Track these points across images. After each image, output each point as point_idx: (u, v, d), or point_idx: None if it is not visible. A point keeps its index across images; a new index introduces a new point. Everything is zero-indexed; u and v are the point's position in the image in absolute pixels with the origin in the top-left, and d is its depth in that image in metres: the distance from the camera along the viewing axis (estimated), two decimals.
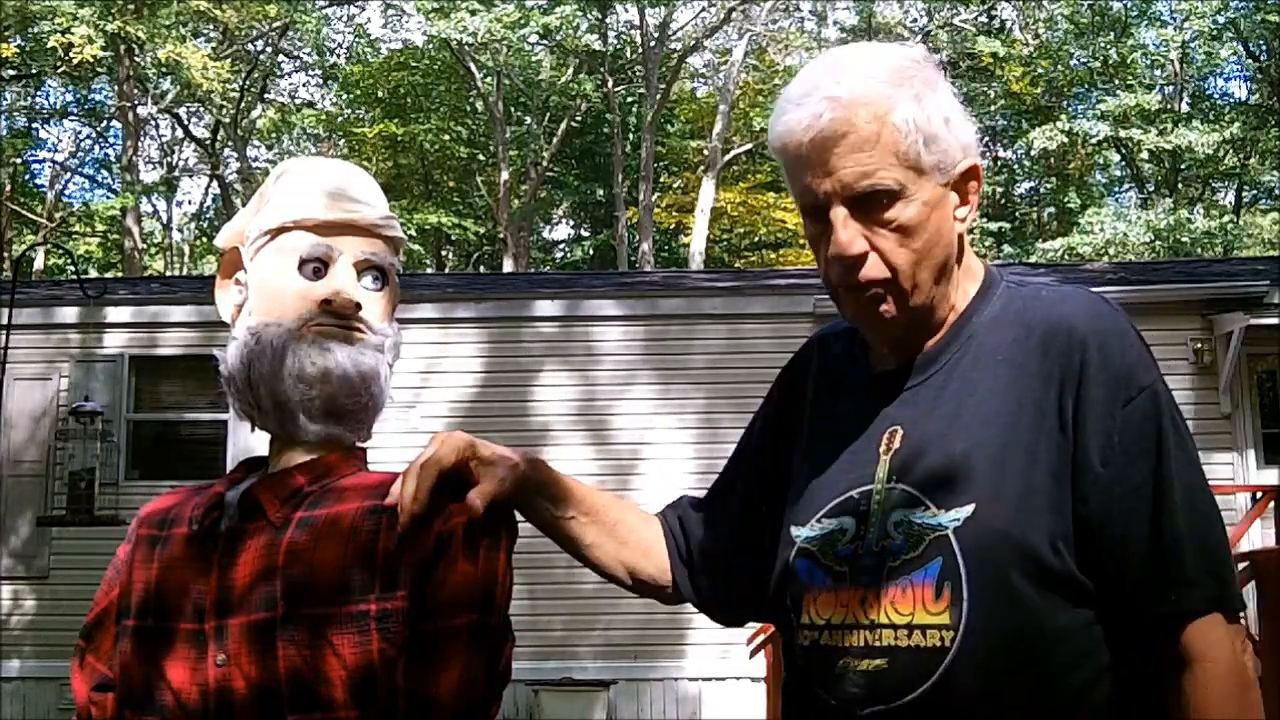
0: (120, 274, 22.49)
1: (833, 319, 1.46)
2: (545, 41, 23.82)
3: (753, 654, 7.76)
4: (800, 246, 24.71)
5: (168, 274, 26.73)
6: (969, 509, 1.24)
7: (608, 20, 24.57)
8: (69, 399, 9.58)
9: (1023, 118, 25.05)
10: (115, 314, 10.02)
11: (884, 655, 1.25)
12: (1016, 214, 26.93)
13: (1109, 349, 1.27)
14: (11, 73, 22.50)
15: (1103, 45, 23.30)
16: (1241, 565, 5.23)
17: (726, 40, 25.75)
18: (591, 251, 28.03)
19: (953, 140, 1.31)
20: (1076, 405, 1.26)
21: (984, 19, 24.28)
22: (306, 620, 1.24)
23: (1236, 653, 1.24)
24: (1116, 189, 27.97)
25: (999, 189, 26.09)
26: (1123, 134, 21.78)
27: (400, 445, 4.50)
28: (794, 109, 1.30)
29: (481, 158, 26.68)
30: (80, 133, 26.59)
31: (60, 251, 22.95)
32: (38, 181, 27.21)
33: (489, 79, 24.16)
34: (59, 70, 21.81)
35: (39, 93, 25.27)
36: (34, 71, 22.80)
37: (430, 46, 24.98)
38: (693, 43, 25.29)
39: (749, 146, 24.64)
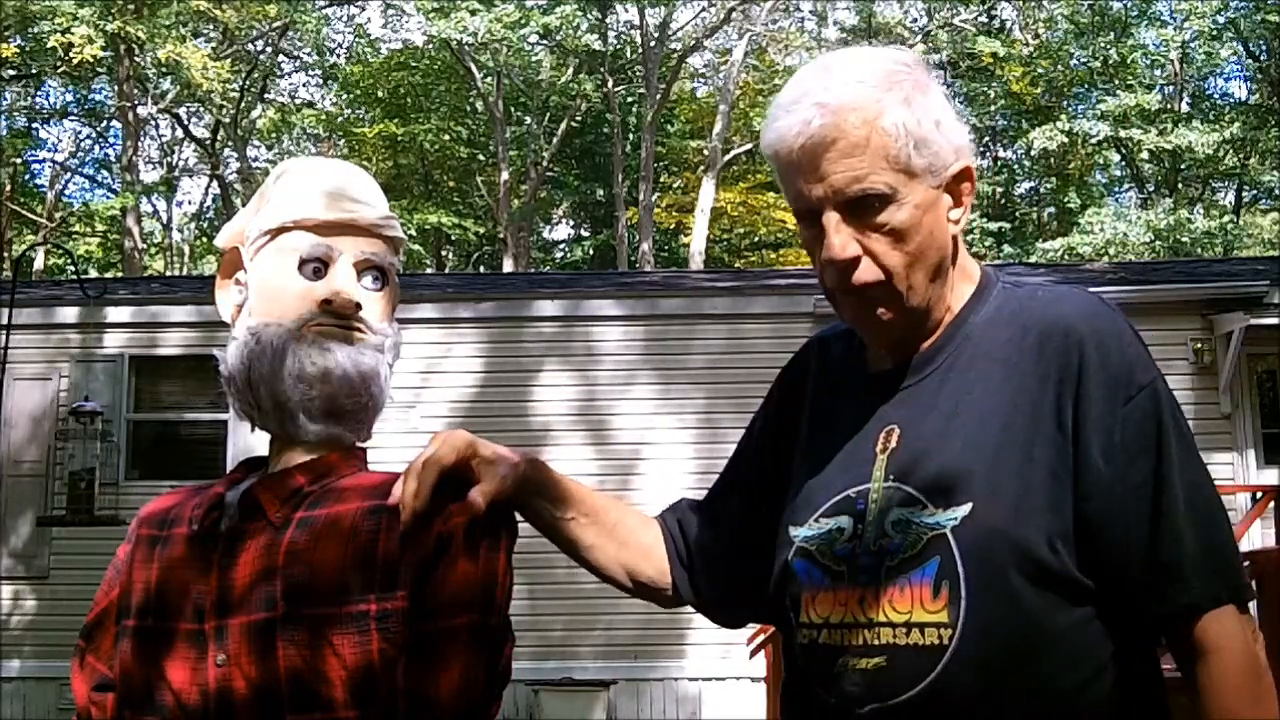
0: (120, 274, 22.49)
1: (832, 319, 1.47)
2: (545, 41, 23.82)
3: (753, 654, 7.76)
4: (800, 247, 24.64)
5: (168, 274, 26.73)
6: (966, 508, 1.25)
7: (608, 20, 24.58)
8: (69, 399, 9.58)
9: (1023, 118, 25.04)
10: (115, 314, 10.02)
11: (883, 654, 1.25)
12: (1016, 214, 26.92)
13: (1107, 348, 1.28)
14: (11, 73, 22.50)
15: (1103, 45, 23.30)
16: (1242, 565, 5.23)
17: (726, 40, 25.76)
18: (591, 251, 28.03)
19: (944, 142, 1.32)
20: (1076, 405, 1.26)
21: (984, 19, 24.28)
22: (307, 620, 1.24)
23: (1249, 643, 1.25)
24: (1116, 189, 27.98)
25: (999, 189, 26.09)
26: (1123, 134, 21.78)
27: (400, 445, 4.49)
28: (785, 115, 1.31)
29: (481, 158, 26.68)
30: (80, 133, 26.62)
31: (60, 251, 22.95)
32: (38, 181, 27.25)
33: (489, 79, 24.16)
34: (59, 70, 21.81)
35: (39, 93, 25.29)
36: (34, 71, 22.80)
37: (430, 46, 24.98)
38: (693, 43, 25.30)
39: (749, 146, 24.61)
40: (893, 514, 1.29)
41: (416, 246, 25.00)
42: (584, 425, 9.67)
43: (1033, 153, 24.52)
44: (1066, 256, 20.94)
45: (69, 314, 10.00)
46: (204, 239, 28.50)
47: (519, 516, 1.39)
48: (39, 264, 24.03)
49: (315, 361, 1.32)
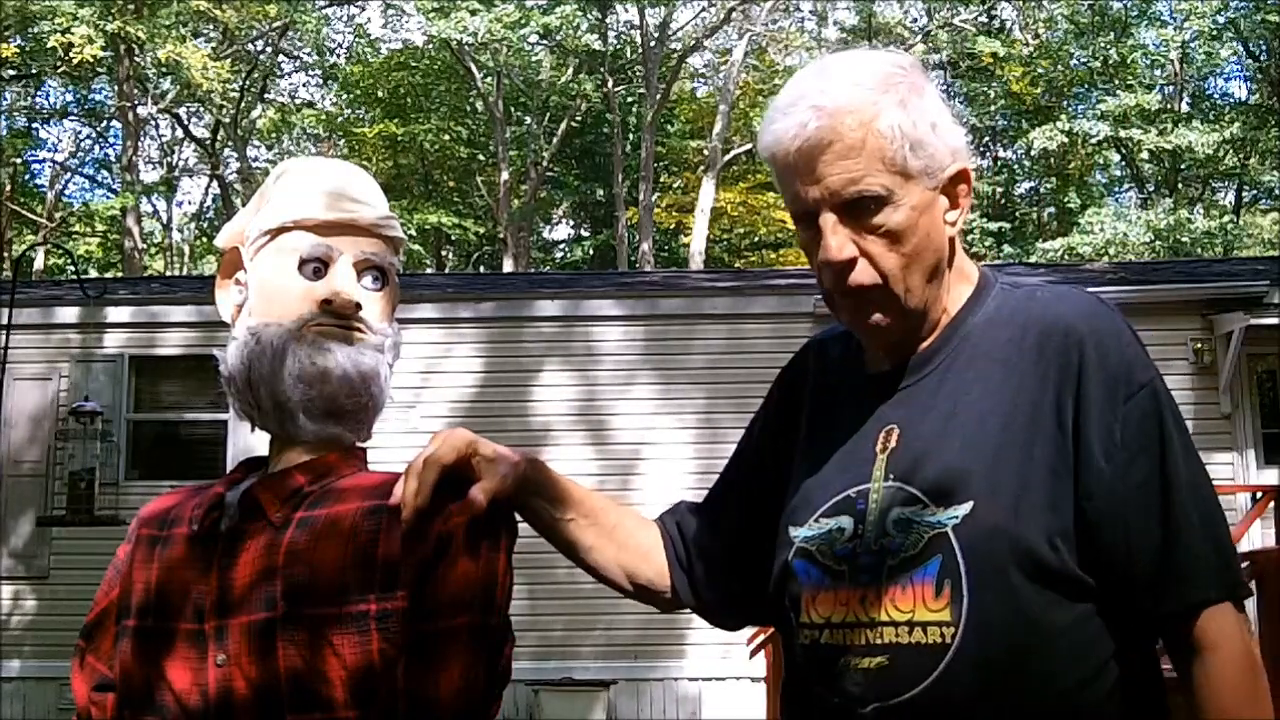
0: (120, 274, 22.49)
1: (832, 320, 1.47)
2: (545, 41, 23.82)
3: (753, 654, 7.76)
4: (800, 246, 24.66)
5: (168, 274, 26.73)
6: (967, 506, 1.25)
7: (608, 20, 24.58)
8: (69, 399, 9.58)
9: (1023, 118, 25.04)
10: (115, 314, 10.02)
11: (885, 653, 1.25)
12: (1016, 214, 26.92)
13: (1106, 347, 1.28)
14: (11, 73, 22.50)
15: (1103, 45, 23.30)
16: (1242, 565, 5.23)
17: (726, 40, 25.76)
18: (591, 251, 28.04)
19: (940, 145, 1.33)
20: (1076, 403, 1.27)
21: (984, 19, 24.27)
22: (307, 620, 1.24)
23: (1247, 641, 1.26)
24: (1116, 189, 27.98)
25: (999, 189, 26.08)
26: (1123, 134, 21.78)
27: (400, 445, 4.49)
28: (781, 118, 1.32)
29: (481, 158, 26.68)
30: (80, 133, 26.62)
31: (60, 251, 22.95)
32: (38, 181, 27.24)
33: (489, 79, 24.16)
34: (59, 70, 21.81)
35: (39, 93, 25.29)
36: (34, 71, 22.80)
37: (430, 46, 24.98)
38: (693, 43, 25.30)
39: (749, 146, 24.59)
40: (894, 513, 1.29)
41: (416, 246, 25.00)
42: (584, 425, 9.67)
43: (1033, 153, 24.51)
44: (1066, 256, 20.94)
45: (69, 314, 10.00)
46: (204, 239, 28.50)
47: (518, 517, 1.39)
48: (39, 264, 24.04)
49: (315, 361, 1.32)
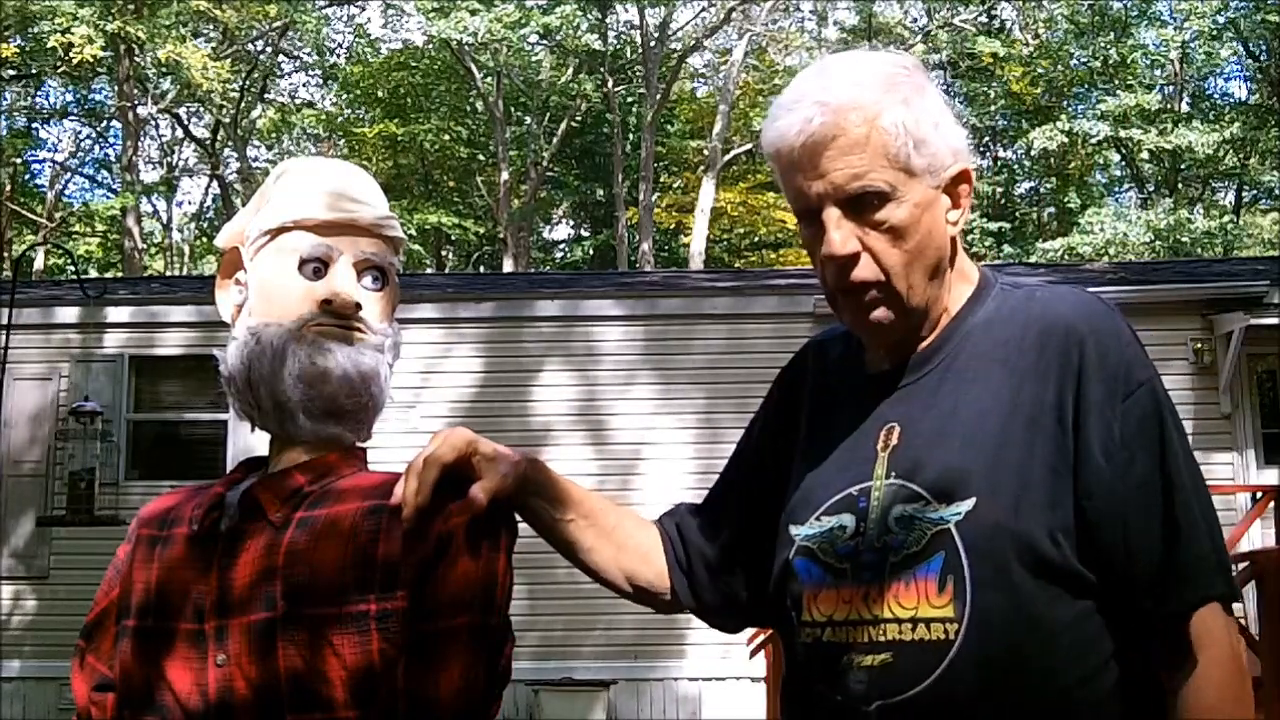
0: (120, 274, 22.49)
1: (832, 319, 1.47)
2: (545, 41, 23.83)
3: (753, 654, 7.77)
4: (800, 246, 24.62)
5: (168, 274, 26.73)
6: (970, 503, 1.25)
7: (608, 20, 24.57)
8: (69, 399, 9.58)
9: (1023, 118, 25.04)
10: (115, 314, 10.02)
11: (888, 650, 1.26)
12: (1016, 214, 26.92)
13: (1106, 346, 1.29)
14: (11, 73, 22.50)
15: (1103, 45, 23.30)
16: (1241, 565, 5.22)
17: (726, 40, 25.76)
18: (591, 251, 28.03)
19: (942, 144, 1.33)
20: (1076, 402, 1.28)
21: (984, 19, 24.27)
22: (307, 621, 1.24)
23: (1235, 643, 1.27)
24: (1116, 189, 27.98)
25: (999, 189, 26.08)
26: (1123, 134, 21.78)
27: (400, 445, 4.49)
28: (785, 114, 1.32)
29: (481, 158, 26.68)
30: (80, 133, 26.62)
31: (60, 251, 22.95)
32: (38, 181, 27.24)
33: (489, 79, 24.16)
34: (59, 70, 21.81)
35: (39, 93, 25.30)
36: (34, 71, 22.80)
37: (430, 46, 24.98)
38: (693, 43, 25.30)
39: (749, 146, 24.61)
40: (896, 510, 1.29)
41: (416, 246, 25.00)
42: (584, 425, 9.67)
43: (1033, 153, 24.51)
44: (1066, 256, 20.94)
45: (69, 314, 10.00)
46: (204, 239, 28.50)
47: (517, 517, 1.39)
48: (39, 264, 24.04)
49: (315, 361, 1.32)
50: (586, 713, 9.10)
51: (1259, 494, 8.32)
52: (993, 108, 24.77)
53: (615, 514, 1.53)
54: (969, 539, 1.24)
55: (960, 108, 23.61)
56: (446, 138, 25.64)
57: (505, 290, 11.28)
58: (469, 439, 1.33)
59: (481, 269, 27.88)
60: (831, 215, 1.31)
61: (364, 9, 26.51)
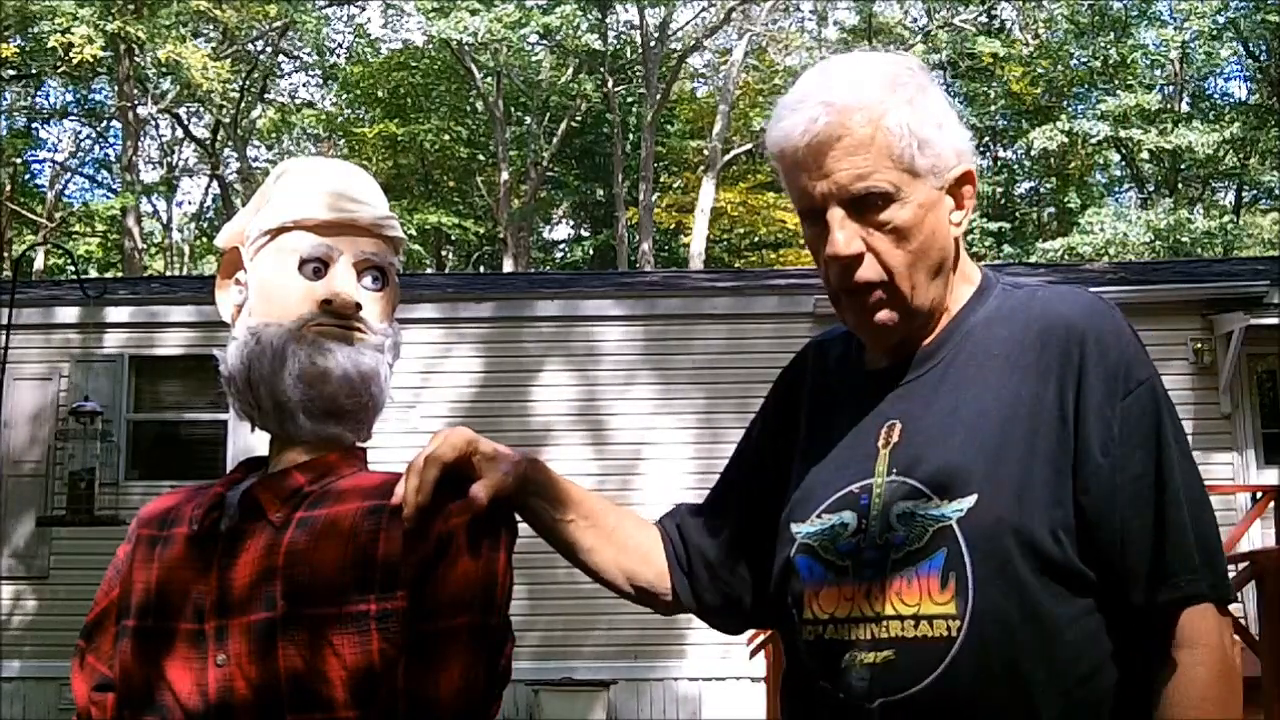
0: (120, 274, 22.49)
1: (833, 319, 1.47)
2: (545, 41, 23.83)
3: (753, 654, 7.77)
4: (800, 246, 24.69)
5: (168, 274, 26.73)
6: (972, 499, 1.26)
7: (608, 20, 24.57)
8: (69, 399, 9.58)
9: (1023, 118, 25.04)
10: (115, 314, 10.02)
11: (891, 647, 1.26)
12: (1016, 214, 26.91)
13: (1106, 344, 1.30)
14: (11, 73, 22.50)
15: (1103, 45, 23.30)
16: (1241, 565, 5.22)
17: (726, 40, 25.76)
18: (591, 251, 28.03)
19: (946, 144, 1.34)
20: (1077, 399, 1.28)
21: (984, 19, 24.26)
22: (307, 621, 1.24)
23: (1227, 643, 1.27)
24: (1116, 189, 27.98)
25: (999, 189, 26.07)
26: (1123, 134, 21.78)
27: (400, 445, 4.49)
28: (790, 114, 1.33)
29: (481, 158, 26.68)
30: (80, 133, 26.62)
31: (60, 251, 22.95)
32: (38, 181, 27.24)
33: (489, 79, 24.16)
34: (59, 70, 21.81)
35: (39, 93, 25.30)
36: (34, 71, 22.81)
37: (430, 46, 24.98)
38: (693, 43, 25.29)
39: (749, 146, 24.62)
40: (897, 507, 1.30)
41: (416, 246, 24.99)
42: (584, 425, 9.67)
43: (1033, 153, 24.51)
44: (1066, 256, 20.94)
45: (69, 314, 10.00)
46: (204, 239, 28.50)
47: (517, 517, 1.39)
48: (39, 264, 24.04)
49: (315, 361, 1.32)
50: (586, 713, 9.10)
51: (1259, 494, 8.32)
52: (993, 108, 24.76)
53: (616, 514, 1.53)
54: (971, 536, 1.24)
55: (960, 108, 23.60)
56: (446, 138, 25.64)
57: (505, 290, 11.28)
58: (469, 438, 1.33)
59: (481, 269, 27.88)
60: (835, 215, 1.31)
61: (364, 9, 26.53)
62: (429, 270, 25.59)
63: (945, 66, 24.46)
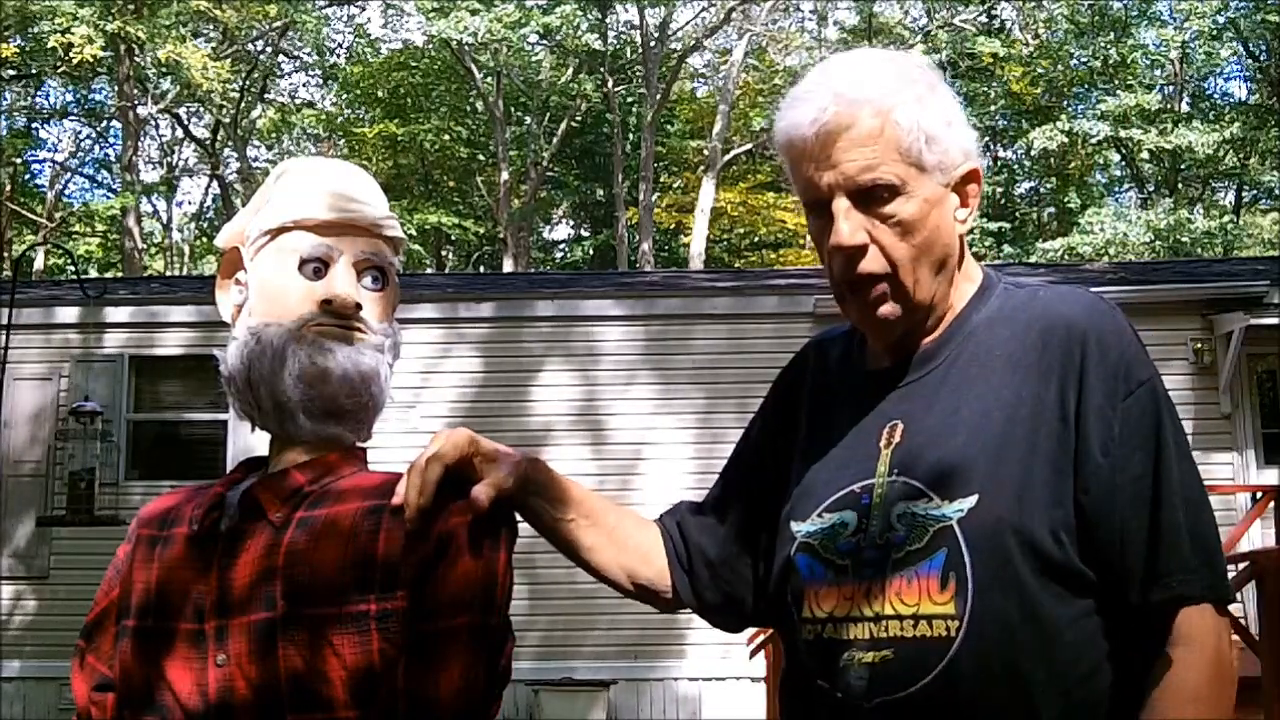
0: (120, 274, 22.49)
1: (833, 319, 1.47)
2: (545, 41, 23.83)
3: (753, 654, 7.76)
4: (800, 246, 24.72)
5: (168, 274, 26.73)
6: (973, 499, 1.26)
7: (608, 20, 24.57)
8: (69, 399, 9.58)
9: (1023, 118, 25.05)
10: (115, 314, 10.02)
11: (889, 646, 1.26)
12: (1016, 214, 26.92)
13: (1107, 344, 1.30)
14: (11, 73, 22.50)
15: (1103, 45, 23.30)
16: (1241, 565, 5.22)
17: (726, 40, 25.76)
18: (591, 251, 28.04)
19: (954, 142, 1.34)
20: (1078, 399, 1.28)
21: (984, 19, 24.26)
22: (307, 621, 1.24)
23: (1223, 644, 1.26)
24: (1116, 189, 27.98)
25: (999, 189, 26.07)
26: (1123, 134, 21.78)
27: (400, 445, 4.50)
28: (799, 104, 1.33)
29: (481, 158, 26.68)
30: (80, 133, 26.63)
31: (60, 251, 22.95)
32: (38, 181, 27.25)
33: (489, 79, 24.16)
34: (59, 70, 21.82)
35: (39, 93, 25.30)
36: (34, 71, 22.81)
37: (430, 46, 24.98)
38: (693, 43, 25.29)
39: (749, 146, 24.63)
40: (898, 507, 1.30)
41: (416, 246, 25.00)
42: (584, 425, 9.67)
43: (1033, 153, 24.51)
44: (1066, 256, 20.94)
45: (69, 314, 10.00)
46: (204, 239, 28.51)
47: (518, 517, 1.39)
48: (39, 264, 24.04)
49: (315, 361, 1.32)
50: (586, 713, 9.10)
51: (1259, 494, 8.32)
52: (993, 108, 24.76)
53: (616, 513, 1.53)
54: (971, 536, 1.24)
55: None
56: (446, 138, 25.65)
57: (505, 290, 11.28)
58: (470, 438, 1.33)
59: (481, 269, 27.88)
60: (841, 206, 1.31)
61: (364, 9, 26.54)
62: (429, 270, 25.59)
63: (945, 66, 24.40)
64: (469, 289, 11.38)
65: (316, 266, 1.36)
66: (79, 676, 1.40)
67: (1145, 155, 23.51)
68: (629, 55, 25.97)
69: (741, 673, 8.93)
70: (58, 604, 9.22)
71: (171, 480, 8.78)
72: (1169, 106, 24.03)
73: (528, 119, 25.35)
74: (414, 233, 23.55)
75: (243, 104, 25.16)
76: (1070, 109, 24.40)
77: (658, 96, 23.83)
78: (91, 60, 20.01)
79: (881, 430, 1.36)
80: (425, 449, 1.31)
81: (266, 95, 26.99)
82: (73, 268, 12.70)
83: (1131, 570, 1.25)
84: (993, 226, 24.04)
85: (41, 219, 25.07)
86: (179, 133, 26.88)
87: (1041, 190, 27.93)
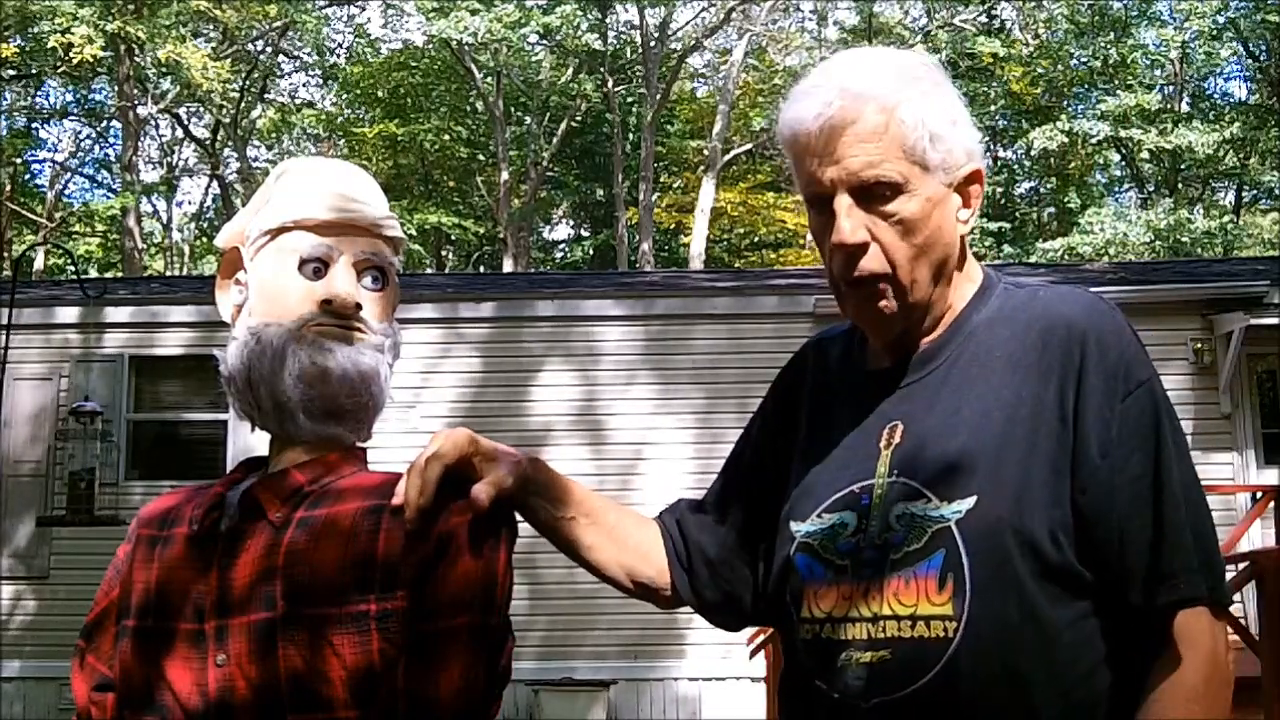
0: (120, 274, 22.49)
1: (833, 319, 1.47)
2: (545, 41, 23.83)
3: (753, 654, 7.76)
4: (800, 246, 24.72)
5: (168, 274, 26.73)
6: (971, 501, 1.26)
7: (608, 20, 24.58)
8: (69, 399, 9.58)
9: (1023, 118, 25.05)
10: (115, 314, 10.02)
11: (887, 647, 1.26)
12: (1016, 214, 26.92)
13: (1106, 345, 1.29)
14: (11, 73, 22.50)
15: (1103, 45, 23.30)
16: (1241, 565, 5.22)
17: (726, 40, 25.76)
18: (591, 251, 28.04)
19: (958, 142, 1.34)
20: (1077, 399, 1.28)
21: (984, 19, 24.26)
22: (307, 620, 1.24)
23: (1220, 647, 1.26)
24: (1116, 189, 27.98)
25: (999, 189, 26.08)
26: (1123, 134, 21.79)
27: (400, 445, 4.50)
28: (804, 99, 1.32)
29: (481, 158, 26.69)
30: (80, 133, 26.63)
31: (60, 251, 22.96)
32: (38, 181, 27.25)
33: (489, 79, 24.16)
34: (59, 70, 21.82)
35: (39, 93, 25.30)
36: (34, 71, 22.81)
37: (430, 46, 24.98)
38: (693, 43, 25.30)
39: (749, 146, 24.64)
40: (897, 508, 1.30)
41: (416, 246, 25.00)
42: (584, 425, 9.67)
43: (1033, 153, 24.51)
44: (1066, 256, 20.94)
45: (69, 314, 10.00)
46: (204, 239, 28.51)
47: (518, 516, 1.39)
48: (39, 264, 24.04)
49: (315, 361, 1.32)
50: (586, 713, 9.10)
51: (1259, 494, 8.32)
52: (993, 108, 24.76)
53: (616, 512, 1.53)
54: (969, 537, 1.24)
55: None
56: (446, 138, 25.65)
57: (505, 290, 11.28)
58: (470, 438, 1.33)
59: (481, 269, 27.89)
60: (842, 203, 1.30)
61: (364, 9, 26.54)
62: (429, 270, 25.59)
63: (945, 66, 24.37)
64: (469, 289, 11.38)
65: (316, 266, 1.36)
66: (79, 676, 1.40)
67: (1145, 155, 23.51)
68: (629, 55, 25.97)
69: (741, 673, 8.93)
70: (58, 604, 9.22)
71: (171, 480, 8.78)
72: (1169, 106, 24.03)
73: (528, 119, 25.35)
74: (414, 233, 23.55)
75: (243, 104, 25.16)
76: (1070, 109, 24.40)
77: (658, 96, 23.83)
78: (91, 60, 20.01)
79: (881, 431, 1.36)
80: (425, 449, 1.31)
81: (266, 95, 27.00)
82: (73, 268, 12.70)
83: (1132, 571, 1.25)
84: (993, 226, 24.05)
85: (41, 219, 25.08)
86: (179, 133, 26.90)
87: (1041, 190, 27.94)
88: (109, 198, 25.82)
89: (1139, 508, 1.25)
